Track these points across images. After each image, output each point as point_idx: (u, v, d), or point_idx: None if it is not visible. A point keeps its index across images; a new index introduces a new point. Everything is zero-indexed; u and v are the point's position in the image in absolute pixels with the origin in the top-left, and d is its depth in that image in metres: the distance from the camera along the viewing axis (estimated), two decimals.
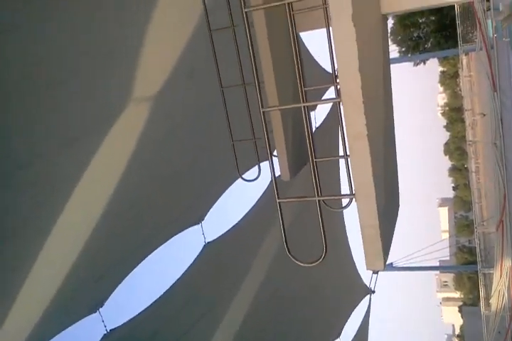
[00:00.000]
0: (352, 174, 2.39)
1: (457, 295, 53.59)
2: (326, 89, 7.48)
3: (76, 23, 3.85)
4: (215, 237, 7.62)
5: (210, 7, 4.00)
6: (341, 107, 2.44)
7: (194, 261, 7.10)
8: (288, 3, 2.33)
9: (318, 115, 10.73)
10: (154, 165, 5.72)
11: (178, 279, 6.75)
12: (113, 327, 5.61)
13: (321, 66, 9.67)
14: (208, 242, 7.44)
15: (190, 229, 7.28)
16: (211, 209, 7.60)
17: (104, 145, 4.69)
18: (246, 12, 2.37)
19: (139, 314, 6.10)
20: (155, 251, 6.35)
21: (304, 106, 2.45)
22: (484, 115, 22.30)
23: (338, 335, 12.37)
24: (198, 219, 7.30)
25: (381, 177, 2.48)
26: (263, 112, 2.47)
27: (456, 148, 53.41)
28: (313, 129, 10.49)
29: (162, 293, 6.49)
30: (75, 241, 4.86)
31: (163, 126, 5.56)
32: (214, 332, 7.81)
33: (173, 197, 6.42)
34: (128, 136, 5.08)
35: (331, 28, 2.53)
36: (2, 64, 3.21)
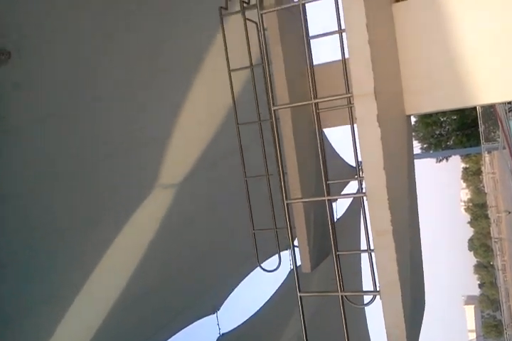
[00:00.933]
0: (377, 270, 2.34)
1: None
2: (348, 182, 7.58)
3: (113, 116, 4.09)
4: (230, 328, 7.33)
5: (238, 102, 4.22)
6: (365, 202, 2.47)
7: None
8: (314, 103, 2.45)
9: (340, 206, 10.75)
10: (172, 252, 5.69)
11: None
12: None
13: (342, 158, 9.88)
14: (223, 334, 7.15)
15: (205, 318, 7.04)
16: (228, 299, 7.40)
17: (126, 229, 4.73)
18: (274, 110, 2.50)
19: None
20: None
21: (328, 200, 2.48)
22: (509, 213, 22.03)
23: None
24: (214, 309, 7.08)
25: (407, 274, 2.43)
26: (287, 204, 2.51)
27: (481, 245, 52.17)
28: (335, 219, 10.46)
29: None
30: (85, 330, 4.73)
31: (184, 213, 5.63)
32: None
33: (189, 285, 6.30)
34: (149, 222, 5.13)
35: (355, 126, 2.64)
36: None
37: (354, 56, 2.16)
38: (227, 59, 3.87)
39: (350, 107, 3.41)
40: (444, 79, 2.60)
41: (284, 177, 2.58)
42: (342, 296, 2.43)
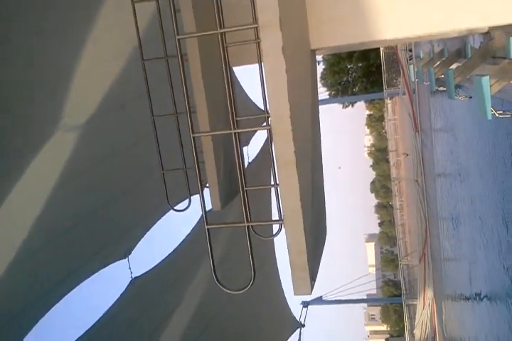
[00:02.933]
0: (281, 200, 2.43)
1: (384, 327, 54.88)
2: (259, 125, 7.66)
3: (9, 48, 3.76)
4: (142, 272, 7.40)
5: (145, 37, 4.03)
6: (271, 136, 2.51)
7: (120, 296, 6.83)
8: (221, 34, 2.40)
9: (251, 152, 10.98)
10: (80, 195, 5.54)
11: (104, 315, 6.46)
12: None
13: (255, 103, 9.97)
14: (135, 277, 7.21)
15: (117, 263, 7.03)
16: (140, 243, 7.41)
17: (27, 173, 4.51)
18: (179, 39, 2.41)
19: None
20: (79, 286, 6.06)
21: (235, 133, 2.49)
22: (407, 155, 23.61)
23: None
24: (125, 253, 7.08)
25: (309, 203, 2.54)
26: (194, 138, 2.49)
27: (382, 187, 55.92)
28: (246, 163, 10.65)
29: (87, 329, 6.17)
30: None
31: (91, 155, 5.45)
32: None
33: (98, 230, 6.21)
34: (53, 164, 4.92)
35: (262, 62, 2.63)
36: None
37: None
38: None
39: (258, 42, 3.39)
40: (348, 13, 2.65)
41: (191, 112, 2.54)
42: (248, 227, 2.51)
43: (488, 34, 4.63)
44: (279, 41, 2.16)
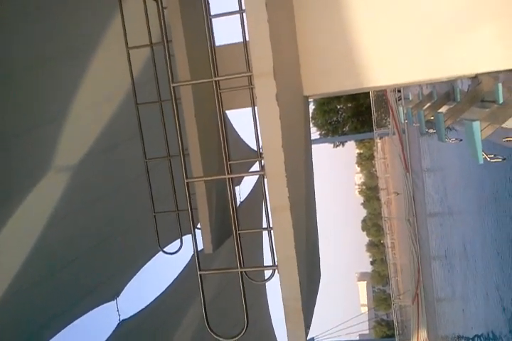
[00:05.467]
0: (275, 246, 2.41)
1: None
2: (251, 166, 7.71)
3: (1, 89, 3.80)
4: (131, 314, 7.22)
5: (138, 82, 4.10)
6: (265, 181, 2.52)
7: (107, 339, 6.63)
8: (215, 81, 2.45)
9: (243, 191, 10.96)
10: (70, 237, 5.46)
11: None
12: None
13: (247, 144, 10.04)
14: (123, 320, 7.02)
15: (105, 305, 6.87)
16: (128, 284, 7.27)
17: (18, 214, 4.46)
18: (174, 87, 2.45)
19: None
20: (65, 328, 5.89)
21: (229, 178, 2.50)
22: (398, 194, 23.70)
23: None
24: (114, 295, 6.92)
25: (303, 248, 2.52)
26: (187, 183, 2.49)
27: (373, 225, 55.73)
28: (238, 203, 10.61)
29: None
30: None
31: (82, 196, 5.41)
32: None
33: (87, 272, 6.09)
34: (43, 205, 4.87)
35: (256, 107, 2.68)
36: None
37: (253, 35, 2.18)
38: (125, 36, 3.73)
39: (252, 88, 3.45)
40: (339, 62, 2.72)
41: (184, 156, 2.55)
42: (241, 273, 2.48)
43: (475, 78, 4.75)
44: (272, 89, 2.20)
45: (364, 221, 61.17)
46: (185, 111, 3.34)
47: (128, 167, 5.85)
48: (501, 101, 4.26)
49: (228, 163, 2.58)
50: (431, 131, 6.49)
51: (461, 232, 10.91)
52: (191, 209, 2.60)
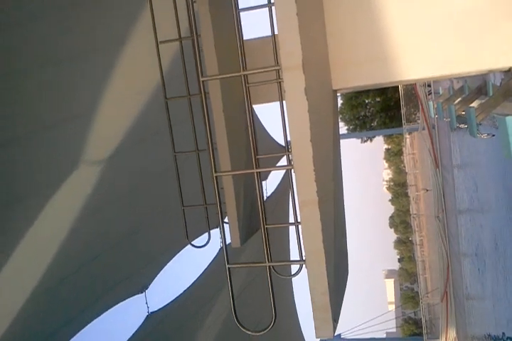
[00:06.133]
0: (303, 240, 2.41)
1: None
2: (278, 161, 7.71)
3: (33, 83, 3.88)
4: (159, 307, 7.32)
5: (167, 76, 4.13)
6: (293, 175, 2.52)
7: (136, 332, 6.74)
8: (243, 75, 2.45)
9: (269, 186, 10.99)
10: (100, 230, 5.57)
11: None
12: None
13: (273, 139, 10.04)
14: (152, 312, 7.13)
15: (134, 297, 6.98)
16: (157, 277, 7.37)
17: (48, 208, 4.56)
18: (203, 81, 2.46)
19: None
20: (94, 321, 6.00)
21: (257, 172, 2.50)
22: (427, 190, 23.35)
23: None
24: (142, 288, 7.03)
25: (331, 243, 2.52)
26: (216, 177, 2.50)
27: (401, 222, 55.14)
28: (265, 198, 10.63)
29: None
30: (12, 304, 4.56)
31: (112, 190, 5.50)
32: None
33: (116, 264, 6.20)
34: (74, 199, 4.97)
35: (284, 101, 2.67)
36: None
37: (282, 28, 2.17)
38: (155, 30, 3.76)
39: (280, 82, 3.44)
40: (369, 55, 2.69)
41: (213, 150, 2.57)
42: (269, 267, 2.49)
43: (509, 72, 4.63)
44: (301, 83, 2.19)
45: (392, 218, 60.55)
46: (214, 105, 3.35)
47: (157, 161, 5.91)
48: None
49: (256, 157, 2.58)
50: (462, 126, 6.36)
51: (492, 229, 10.69)
52: (220, 203, 2.61)
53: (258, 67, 2.48)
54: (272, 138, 10.06)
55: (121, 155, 5.34)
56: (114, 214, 5.66)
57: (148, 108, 5.38)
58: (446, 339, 17.12)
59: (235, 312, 2.47)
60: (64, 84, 4.27)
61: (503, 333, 9.76)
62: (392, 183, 59.18)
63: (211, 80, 3.19)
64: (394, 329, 44.54)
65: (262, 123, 9.71)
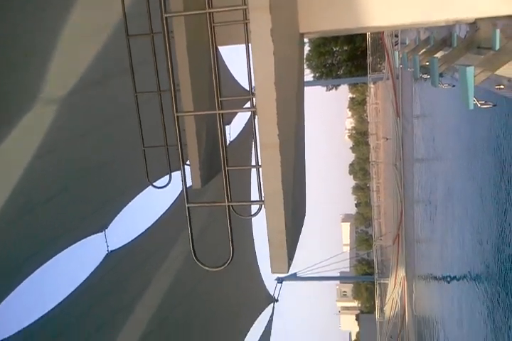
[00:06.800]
0: (262, 181, 2.47)
1: (355, 304, 56.32)
2: (242, 105, 7.66)
3: None
4: (119, 245, 7.44)
5: (130, 13, 3.96)
6: (256, 118, 2.53)
7: (95, 269, 6.87)
8: (209, 13, 2.39)
9: (233, 131, 11.01)
10: (58, 168, 5.50)
11: (79, 286, 6.51)
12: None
13: (239, 83, 9.93)
14: (112, 251, 7.25)
15: (93, 236, 7.05)
16: (117, 217, 7.42)
17: (4, 146, 4.46)
18: (166, 18, 2.38)
19: (37, 320, 5.81)
20: (55, 257, 6.08)
21: (219, 114, 2.50)
22: (387, 139, 23.84)
23: None
24: (102, 227, 7.09)
25: (290, 185, 2.59)
26: (177, 117, 2.48)
27: (360, 169, 56.53)
28: (228, 142, 10.65)
29: (60, 300, 6.21)
30: None
31: (70, 129, 5.38)
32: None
33: (75, 203, 6.19)
34: (31, 137, 4.86)
35: (249, 43, 2.63)
36: None
37: None
38: None
39: (246, 23, 3.36)
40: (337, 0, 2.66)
41: (175, 91, 2.53)
42: (228, 207, 2.54)
43: (474, 24, 4.66)
44: (268, 23, 2.16)
45: (352, 165, 61.86)
46: (177, 44, 3.26)
47: (118, 101, 5.78)
48: (498, 47, 4.20)
49: (219, 99, 2.57)
50: (425, 76, 6.43)
51: (446, 177, 11.13)
52: (181, 144, 2.61)
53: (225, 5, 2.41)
54: (237, 82, 9.94)
55: (81, 94, 5.19)
56: (74, 153, 5.58)
57: (110, 46, 5.18)
58: (395, 278, 18.19)
59: (194, 250, 2.54)
60: (21, 20, 4.05)
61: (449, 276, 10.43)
62: (354, 132, 59.94)
63: (176, 17, 3.09)
64: (347, 269, 46.84)
65: (227, 67, 9.55)
